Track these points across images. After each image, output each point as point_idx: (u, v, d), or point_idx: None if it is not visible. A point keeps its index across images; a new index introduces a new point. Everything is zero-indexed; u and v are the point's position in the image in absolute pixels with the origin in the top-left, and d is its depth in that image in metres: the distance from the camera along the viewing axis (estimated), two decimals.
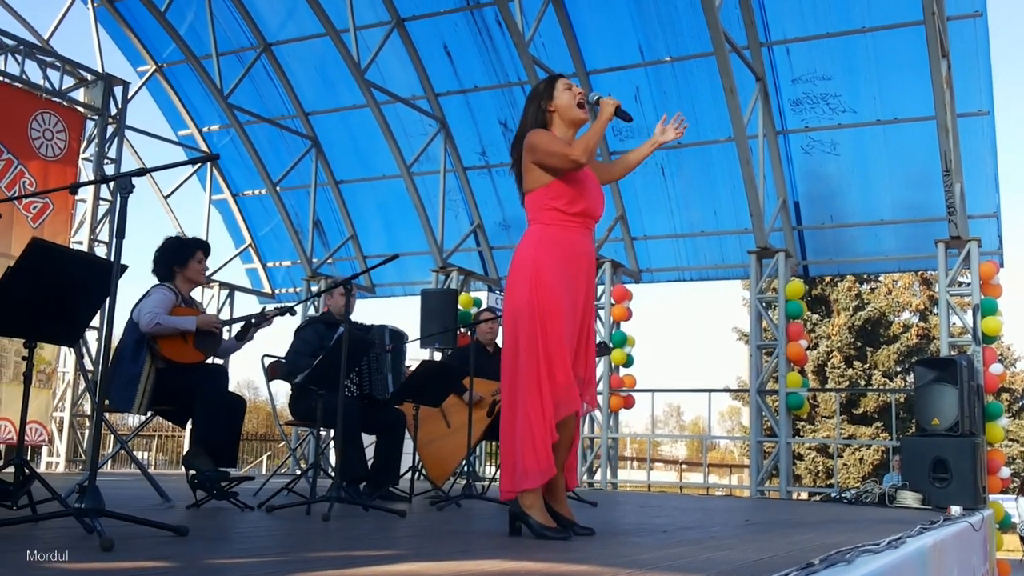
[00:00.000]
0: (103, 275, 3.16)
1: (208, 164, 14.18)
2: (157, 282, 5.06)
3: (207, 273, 5.35)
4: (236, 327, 5.28)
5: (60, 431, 11.02)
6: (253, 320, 5.18)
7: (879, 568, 2.93)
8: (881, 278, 29.52)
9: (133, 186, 3.04)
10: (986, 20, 10.06)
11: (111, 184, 11.49)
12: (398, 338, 6.30)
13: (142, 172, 2.98)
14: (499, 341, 7.67)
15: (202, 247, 5.18)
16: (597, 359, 7.71)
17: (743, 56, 10.52)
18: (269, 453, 18.59)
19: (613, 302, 11.90)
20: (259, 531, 3.63)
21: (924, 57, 9.56)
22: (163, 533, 3.09)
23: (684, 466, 31.31)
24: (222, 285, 14.03)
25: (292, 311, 5.18)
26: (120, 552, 2.56)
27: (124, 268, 3.16)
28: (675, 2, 10.96)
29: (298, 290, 14.47)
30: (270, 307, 5.40)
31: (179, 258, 5.06)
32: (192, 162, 3.15)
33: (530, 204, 3.74)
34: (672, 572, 2.52)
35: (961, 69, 10.10)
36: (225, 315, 13.62)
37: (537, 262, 3.59)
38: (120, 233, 3.07)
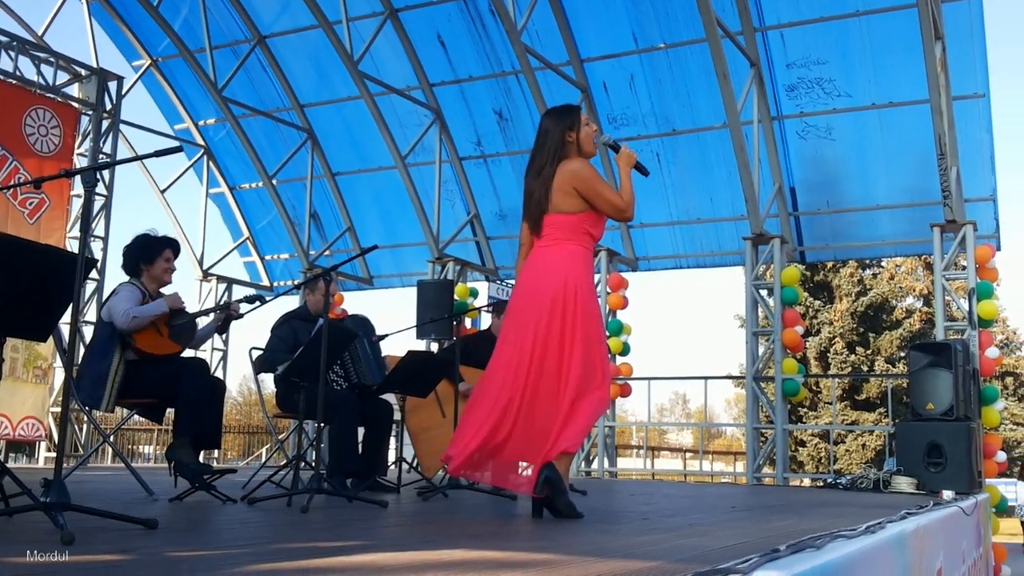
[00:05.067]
0: (71, 269, 3.14)
1: (205, 157, 14.20)
2: (125, 280, 5.05)
3: (179, 271, 5.30)
4: (212, 315, 5.28)
5: (58, 425, 11.06)
6: (219, 310, 5.18)
7: (850, 553, 2.89)
8: (884, 263, 29.47)
9: (97, 180, 3.04)
10: (980, 2, 10.01)
11: (104, 178, 11.50)
12: (366, 327, 6.29)
13: (106, 166, 2.98)
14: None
15: (171, 246, 5.12)
16: None
17: (737, 42, 10.47)
18: (268, 445, 18.62)
19: (609, 291, 11.87)
20: (233, 523, 3.63)
21: (919, 40, 9.50)
22: (134, 526, 3.10)
23: (689, 454, 31.29)
24: (220, 279, 14.05)
25: (262, 299, 5.15)
26: (82, 545, 2.56)
27: (94, 262, 3.15)
28: None
29: (296, 283, 14.47)
30: (236, 298, 5.35)
31: (147, 256, 5.02)
32: (157, 155, 3.14)
33: (567, 224, 4.10)
34: (633, 560, 2.51)
35: (956, 52, 10.03)
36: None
37: (588, 283, 4.12)
38: (86, 227, 3.06)
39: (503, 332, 4.23)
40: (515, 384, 4.01)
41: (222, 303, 5.26)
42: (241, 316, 5.21)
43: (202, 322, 5.36)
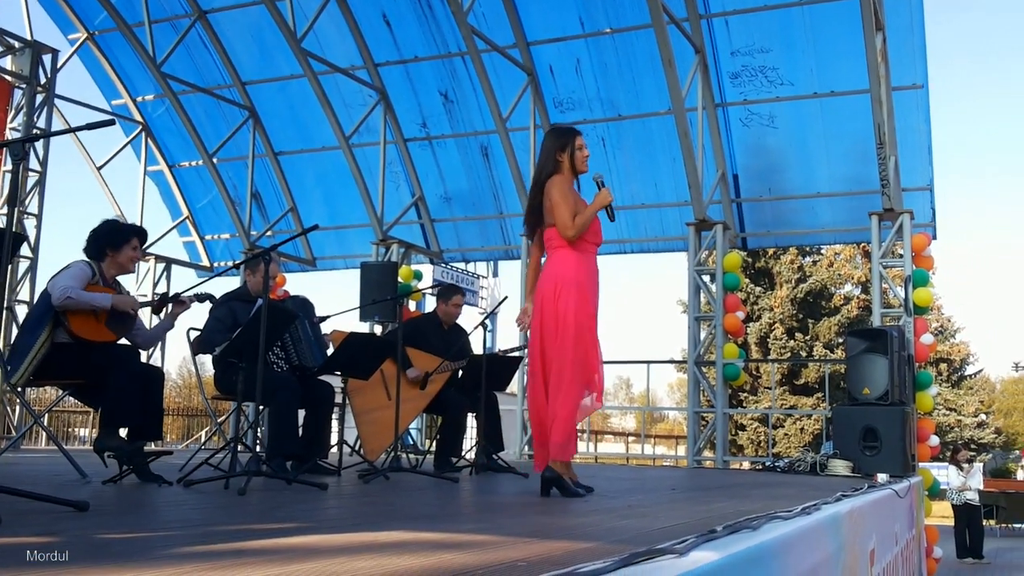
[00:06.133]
0: None
1: (143, 134, 13.91)
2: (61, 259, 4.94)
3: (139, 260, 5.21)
4: (160, 306, 5.17)
5: None
6: (170, 301, 5.09)
7: (786, 534, 2.93)
8: (823, 251, 29.94)
9: (27, 153, 2.94)
10: None
11: (38, 153, 11.23)
12: (306, 308, 6.20)
13: (34, 138, 2.88)
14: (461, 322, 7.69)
15: (139, 234, 5.05)
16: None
17: (682, 28, 10.51)
18: (208, 428, 18.39)
19: None
20: (167, 506, 3.57)
21: (860, 30, 9.61)
22: (64, 509, 3.02)
23: (631, 438, 31.58)
24: (158, 258, 13.80)
25: (212, 298, 5.13)
26: (8, 528, 2.49)
27: (23, 238, 3.06)
28: None
29: (236, 263, 14.26)
30: (187, 292, 5.29)
31: (114, 242, 4.93)
32: (89, 127, 3.04)
33: (554, 234, 4.65)
34: (572, 540, 2.51)
35: (896, 43, 10.18)
36: (161, 289, 13.43)
37: (579, 282, 4.58)
38: (14, 201, 2.97)
39: None
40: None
41: (172, 296, 5.15)
42: (188, 307, 5.18)
43: (154, 319, 5.31)
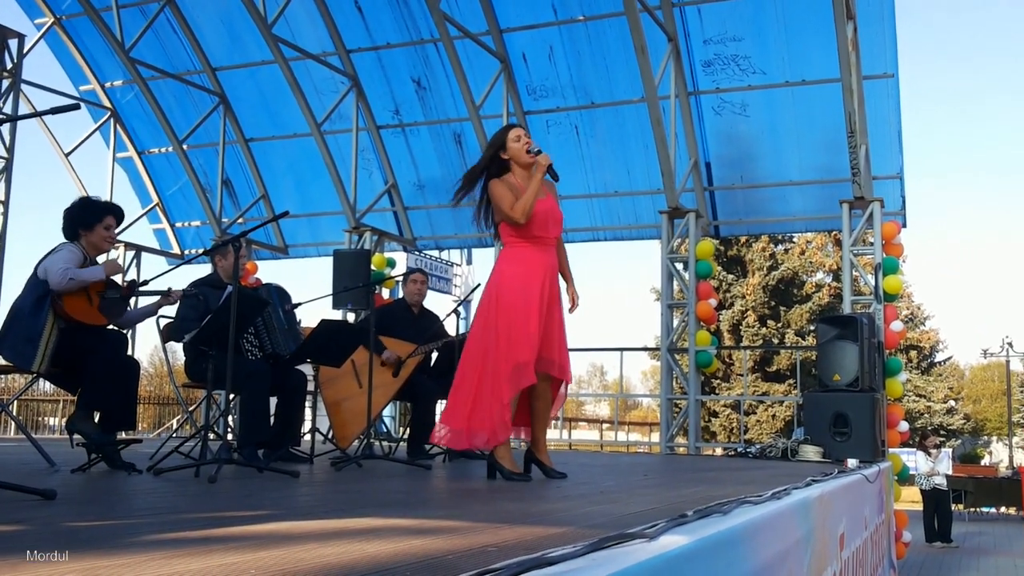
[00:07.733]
0: None
1: (112, 120, 13.76)
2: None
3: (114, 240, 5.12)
4: (129, 293, 5.12)
5: None
6: (138, 288, 5.04)
7: (757, 518, 2.94)
8: (795, 239, 30.13)
9: None
10: None
11: (4, 140, 11.10)
12: (282, 296, 6.15)
13: (0, 122, 2.83)
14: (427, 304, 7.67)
15: (113, 212, 4.94)
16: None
17: (655, 16, 10.51)
18: (179, 416, 18.27)
19: None
20: (136, 494, 3.53)
21: (831, 19, 9.65)
22: (31, 497, 2.99)
23: (606, 425, 31.67)
24: (128, 246, 13.65)
25: (198, 298, 5.14)
26: None
27: None
28: None
29: (204, 250, 14.11)
30: (177, 289, 5.28)
31: (86, 220, 4.84)
32: (53, 112, 3.00)
33: (501, 232, 4.85)
34: (543, 526, 2.51)
35: (867, 32, 10.23)
36: (131, 276, 13.29)
37: (501, 275, 4.72)
38: None
39: None
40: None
41: (140, 282, 5.09)
42: (174, 301, 5.20)
43: (142, 301, 5.31)
